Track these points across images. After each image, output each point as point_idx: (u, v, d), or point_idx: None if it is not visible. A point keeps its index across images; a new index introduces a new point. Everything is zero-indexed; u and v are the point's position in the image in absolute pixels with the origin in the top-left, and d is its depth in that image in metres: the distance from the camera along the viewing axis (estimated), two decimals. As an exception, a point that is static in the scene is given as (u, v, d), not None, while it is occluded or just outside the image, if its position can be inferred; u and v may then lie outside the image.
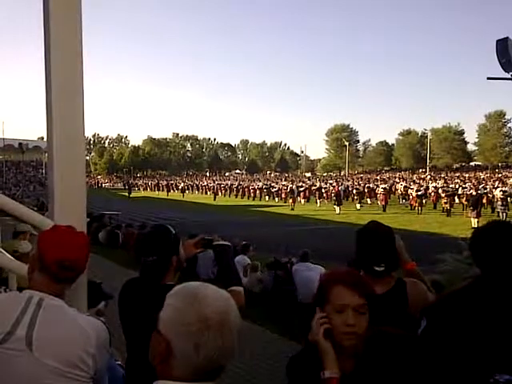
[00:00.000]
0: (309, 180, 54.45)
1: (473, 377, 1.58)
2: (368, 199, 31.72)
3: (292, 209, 28.35)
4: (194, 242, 2.32)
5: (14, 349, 1.49)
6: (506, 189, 22.73)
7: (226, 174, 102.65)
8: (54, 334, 1.53)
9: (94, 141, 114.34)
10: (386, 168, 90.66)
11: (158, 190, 55.74)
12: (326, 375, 1.44)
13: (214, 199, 39.71)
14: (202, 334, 1.01)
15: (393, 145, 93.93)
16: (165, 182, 58.90)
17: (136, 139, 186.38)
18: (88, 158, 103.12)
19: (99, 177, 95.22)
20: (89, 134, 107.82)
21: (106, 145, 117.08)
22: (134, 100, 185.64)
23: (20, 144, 59.84)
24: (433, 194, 27.45)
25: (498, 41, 8.29)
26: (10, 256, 2.70)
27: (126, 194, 46.48)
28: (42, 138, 78.03)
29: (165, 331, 1.04)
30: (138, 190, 61.44)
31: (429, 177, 49.15)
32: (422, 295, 2.11)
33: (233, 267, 2.25)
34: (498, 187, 24.28)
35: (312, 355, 1.53)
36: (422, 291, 2.14)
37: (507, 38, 8.11)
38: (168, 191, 51.18)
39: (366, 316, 1.46)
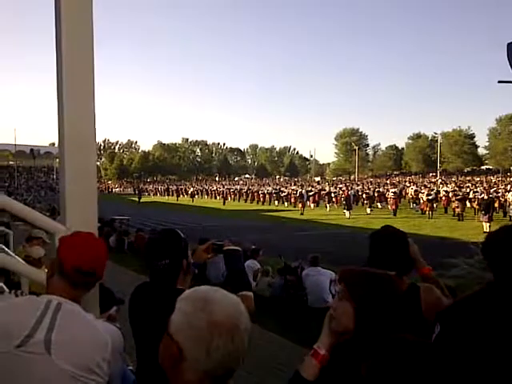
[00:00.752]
0: (318, 184, 54.39)
1: (489, 382, 1.56)
2: (378, 203, 31.56)
3: (302, 213, 28.29)
4: (204, 248, 2.32)
5: (32, 352, 1.49)
6: (519, 193, 22.52)
7: (236, 178, 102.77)
8: (72, 339, 1.54)
9: (105, 146, 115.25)
10: (395, 172, 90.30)
11: (168, 194, 55.95)
12: (314, 346, 1.55)
13: (224, 204, 39.77)
14: (213, 339, 1.01)
15: (403, 149, 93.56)
16: (174, 187, 59.14)
17: (146, 144, 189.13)
18: (98, 163, 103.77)
19: (109, 182, 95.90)
20: (99, 139, 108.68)
21: (116, 150, 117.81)
22: (143, 105, 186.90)
23: (31, 150, 60.55)
24: (444, 198, 27.24)
25: (509, 44, 8.21)
26: (22, 261, 2.73)
27: (136, 199, 46.73)
28: (54, 144, 78.80)
29: (176, 335, 1.05)
30: (148, 195, 61.77)
31: (440, 181, 48.81)
32: (436, 300, 2.08)
33: (243, 272, 2.24)
34: (510, 191, 24.06)
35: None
36: (435, 296, 2.11)
37: (518, 40, 8.04)
38: (178, 196, 51.39)
39: (346, 304, 1.51)
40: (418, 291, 2.13)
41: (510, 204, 21.40)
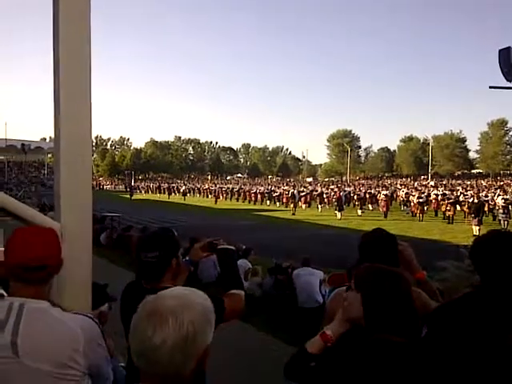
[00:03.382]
0: (310, 185, 54.43)
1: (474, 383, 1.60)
2: (369, 205, 31.69)
3: (293, 214, 28.31)
4: (200, 246, 2.32)
5: (0, 357, 1.48)
6: (508, 197, 22.72)
7: (228, 177, 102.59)
8: (39, 338, 1.52)
9: (97, 143, 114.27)
10: (387, 174, 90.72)
11: (160, 192, 55.72)
12: (324, 328, 1.71)
13: (215, 203, 39.69)
14: (153, 334, 1.08)
15: (394, 151, 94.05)
16: (166, 185, 58.81)
17: (138, 142, 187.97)
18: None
19: (101, 179, 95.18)
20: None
21: (108, 147, 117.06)
22: (136, 102, 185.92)
23: (22, 145, 59.89)
24: (434, 201, 27.41)
25: (500, 50, 8.30)
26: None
27: (128, 196, 46.50)
28: (45, 139, 78.11)
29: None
30: (140, 192, 61.45)
31: (431, 184, 49.06)
32: (422, 306, 2.07)
33: (235, 271, 2.25)
34: (499, 195, 24.28)
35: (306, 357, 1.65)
36: (422, 302, 2.11)
37: (509, 47, 8.12)
38: (169, 194, 51.14)
39: (354, 294, 1.65)
40: None
41: (499, 208, 21.59)
